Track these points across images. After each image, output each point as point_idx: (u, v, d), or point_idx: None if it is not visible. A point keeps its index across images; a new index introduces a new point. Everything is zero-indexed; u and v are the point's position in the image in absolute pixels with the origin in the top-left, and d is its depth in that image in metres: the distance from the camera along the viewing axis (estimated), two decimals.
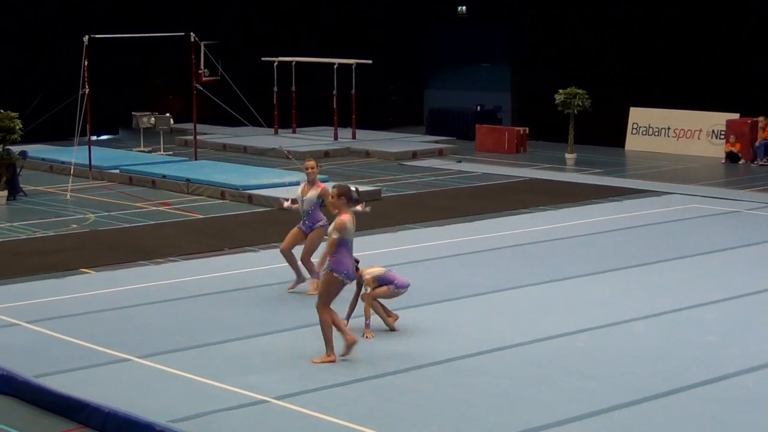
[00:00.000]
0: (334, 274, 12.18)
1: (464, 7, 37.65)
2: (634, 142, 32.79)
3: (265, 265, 16.39)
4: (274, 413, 10.70)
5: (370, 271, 13.40)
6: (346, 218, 12.32)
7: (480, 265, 17.17)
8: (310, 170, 14.96)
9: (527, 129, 32.83)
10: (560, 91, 29.57)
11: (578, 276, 16.31)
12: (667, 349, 12.67)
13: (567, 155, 29.66)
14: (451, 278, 16.25)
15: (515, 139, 32.08)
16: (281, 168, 27.01)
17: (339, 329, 12.27)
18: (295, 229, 15.17)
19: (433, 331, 13.47)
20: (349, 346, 12.31)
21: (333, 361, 12.14)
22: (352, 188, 12.66)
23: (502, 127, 34.14)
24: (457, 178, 27.07)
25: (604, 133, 32.86)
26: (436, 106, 37.62)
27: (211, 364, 12.18)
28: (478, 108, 35.80)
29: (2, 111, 23.87)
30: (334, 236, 12.25)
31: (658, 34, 32.34)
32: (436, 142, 33.31)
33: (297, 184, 23.73)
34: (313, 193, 14.95)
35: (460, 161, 30.13)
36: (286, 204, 15.27)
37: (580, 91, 29.30)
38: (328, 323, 12.19)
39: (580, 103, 29.18)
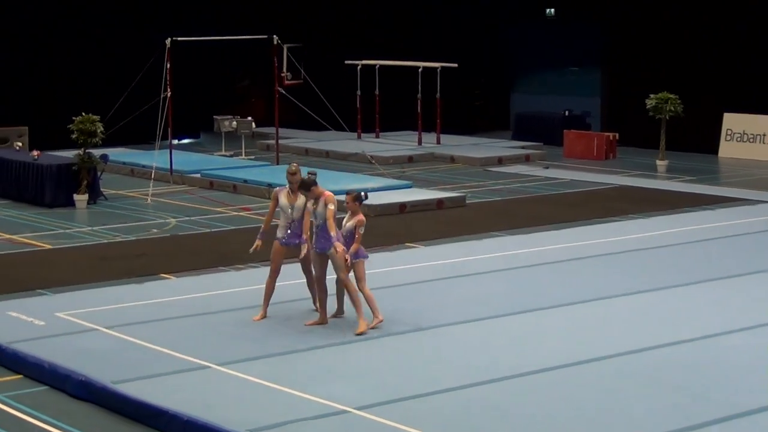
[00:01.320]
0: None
1: (552, 10, 37.42)
2: (728, 149, 32.34)
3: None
4: (354, 424, 10.65)
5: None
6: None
7: (567, 274, 17.00)
8: (290, 176, 14.14)
9: (617, 134, 32.52)
10: (651, 95, 29.24)
11: (670, 287, 16.07)
12: (765, 363, 12.43)
13: (658, 162, 29.34)
14: (537, 288, 16.10)
15: (604, 145, 31.80)
16: (364, 173, 27.01)
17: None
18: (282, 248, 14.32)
19: (518, 341, 13.34)
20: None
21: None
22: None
23: (591, 132, 33.85)
24: (544, 185, 26.90)
25: (697, 139, 32.45)
26: (523, 111, 37.44)
27: (291, 372, 12.17)
28: (567, 113, 35.54)
29: (84, 114, 24.13)
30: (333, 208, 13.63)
31: (754, 38, 31.89)
32: (523, 147, 33.15)
33: (380, 189, 23.93)
34: (301, 202, 14.14)
35: (547, 167, 29.94)
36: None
37: (672, 95, 28.96)
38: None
39: (672, 108, 28.83)
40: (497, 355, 12.76)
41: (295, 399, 11.27)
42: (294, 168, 14.30)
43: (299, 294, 14.90)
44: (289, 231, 14.21)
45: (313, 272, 14.14)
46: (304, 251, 14.05)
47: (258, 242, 14.53)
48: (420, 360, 12.62)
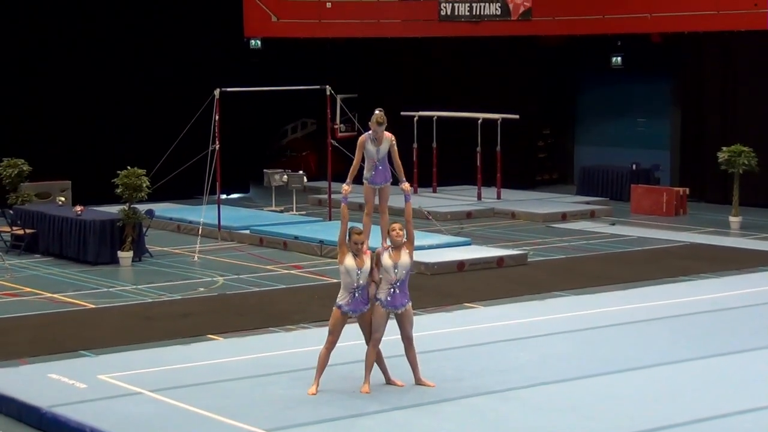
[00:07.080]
0: None
1: (619, 58, 37.43)
2: None
3: None
4: None
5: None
6: None
7: (635, 337, 16.91)
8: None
9: (687, 190, 32.44)
10: (723, 148, 29.17)
11: (744, 350, 15.94)
12: None
13: (731, 218, 29.19)
14: (603, 351, 16.02)
15: (674, 201, 31.71)
16: (421, 230, 27.01)
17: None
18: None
19: (583, 407, 13.25)
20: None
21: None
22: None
23: (659, 187, 33.79)
24: (611, 242, 26.82)
25: None
26: (587, 164, 37.39)
27: None
28: (634, 166, 35.48)
29: (129, 168, 24.38)
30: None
31: None
32: (588, 203, 33.11)
33: (438, 246, 23.96)
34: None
35: (613, 224, 29.87)
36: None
37: (745, 148, 28.87)
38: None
39: (746, 162, 28.74)
40: (560, 422, 12.69)
41: None
42: (359, 229, 14.13)
43: (356, 356, 14.90)
44: (355, 297, 13.88)
45: (374, 334, 14.02)
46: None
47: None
48: (479, 427, 12.58)
